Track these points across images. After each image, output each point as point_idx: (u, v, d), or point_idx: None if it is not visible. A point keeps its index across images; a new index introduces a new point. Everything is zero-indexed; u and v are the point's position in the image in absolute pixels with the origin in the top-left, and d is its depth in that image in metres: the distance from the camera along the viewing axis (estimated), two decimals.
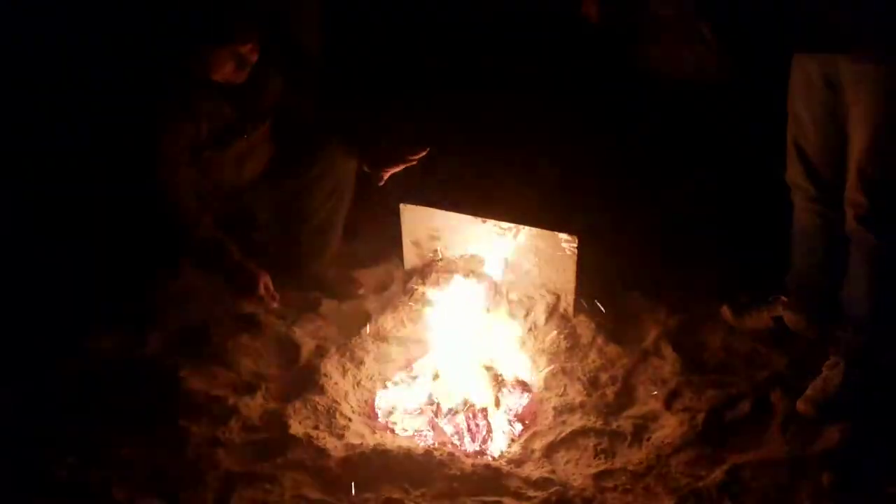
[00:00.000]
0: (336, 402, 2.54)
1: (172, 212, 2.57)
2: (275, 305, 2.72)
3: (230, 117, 2.63)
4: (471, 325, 2.69)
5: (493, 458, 2.36)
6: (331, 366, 2.67)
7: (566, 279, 2.81)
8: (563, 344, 2.74)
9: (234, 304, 2.89)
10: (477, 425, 2.43)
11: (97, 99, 3.02)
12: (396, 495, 2.19)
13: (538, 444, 2.40)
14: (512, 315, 2.82)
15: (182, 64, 2.44)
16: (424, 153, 2.67)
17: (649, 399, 2.55)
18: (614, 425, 2.45)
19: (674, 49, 3.00)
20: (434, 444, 2.39)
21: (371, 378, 2.67)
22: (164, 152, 2.50)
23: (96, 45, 3.27)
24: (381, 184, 2.75)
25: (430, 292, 2.88)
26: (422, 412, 2.49)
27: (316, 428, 2.45)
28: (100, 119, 2.94)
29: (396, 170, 2.71)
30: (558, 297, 2.85)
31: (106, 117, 2.82)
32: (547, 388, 2.60)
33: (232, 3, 2.36)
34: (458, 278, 2.90)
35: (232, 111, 2.61)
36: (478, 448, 2.40)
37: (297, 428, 2.41)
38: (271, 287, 2.69)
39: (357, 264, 3.27)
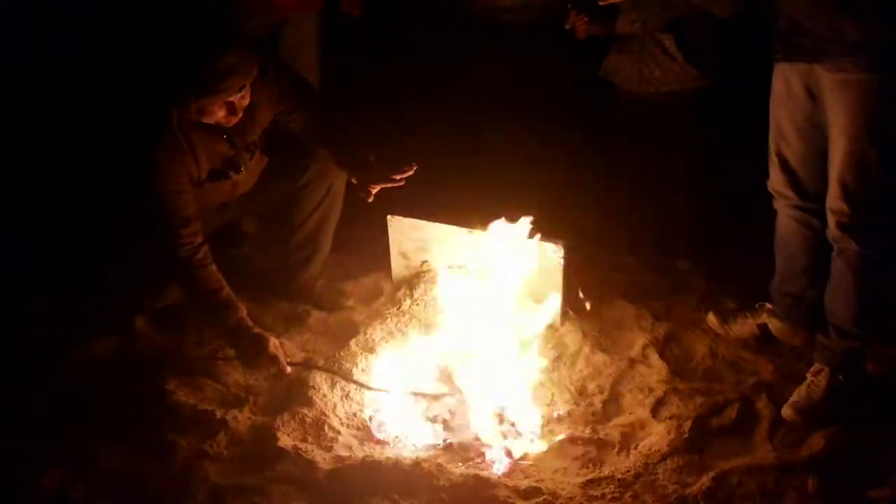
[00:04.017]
0: (324, 414, 2.54)
1: (173, 248, 2.50)
2: (287, 371, 2.60)
3: (226, 153, 2.63)
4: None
5: (482, 468, 2.36)
6: (319, 378, 2.66)
7: (553, 288, 2.82)
8: (551, 353, 2.75)
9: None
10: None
11: (95, 114, 3.03)
12: None
13: (526, 454, 2.40)
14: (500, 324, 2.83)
15: (177, 108, 2.42)
16: (411, 172, 2.68)
17: (636, 407, 2.56)
18: (602, 434, 2.46)
19: (639, 63, 3.03)
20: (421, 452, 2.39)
21: (359, 390, 2.67)
22: (164, 186, 2.47)
23: (95, 59, 3.32)
24: (370, 199, 2.76)
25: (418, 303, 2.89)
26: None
27: (304, 440, 2.45)
28: (97, 137, 2.96)
29: (384, 186, 2.72)
30: (546, 306, 2.86)
31: (104, 141, 2.83)
32: (534, 397, 2.61)
33: (222, 54, 2.28)
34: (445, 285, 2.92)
35: (227, 147, 2.62)
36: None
37: (285, 440, 2.41)
38: (280, 353, 2.58)
39: (345, 276, 3.28)
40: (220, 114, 2.42)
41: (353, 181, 2.80)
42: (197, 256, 2.53)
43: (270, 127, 2.77)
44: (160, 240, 2.53)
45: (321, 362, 2.75)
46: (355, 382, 2.62)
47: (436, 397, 2.54)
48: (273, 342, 2.58)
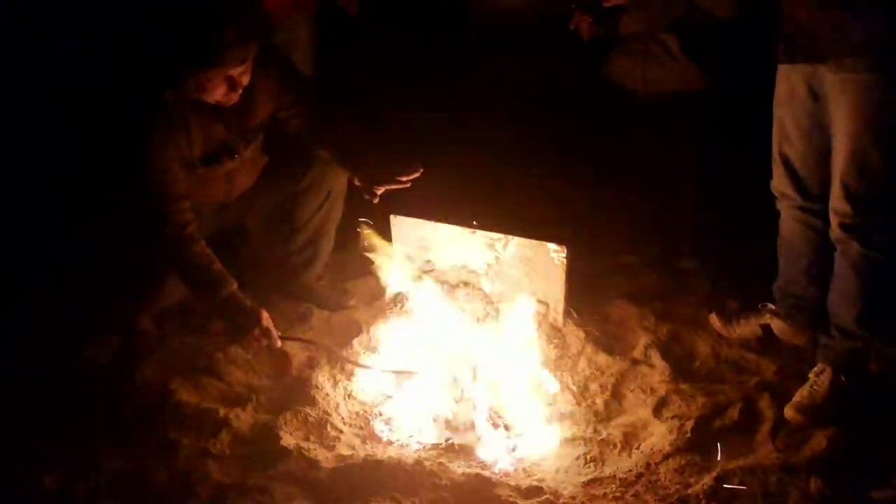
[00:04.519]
0: (327, 413, 2.54)
1: (162, 223, 2.52)
2: (278, 345, 2.64)
3: (221, 137, 2.63)
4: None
5: (484, 467, 2.36)
6: (322, 377, 2.67)
7: (555, 289, 2.82)
8: (553, 353, 2.75)
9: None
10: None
11: (93, 109, 3.04)
12: None
13: (528, 453, 2.41)
14: (501, 325, 2.84)
15: (176, 83, 2.43)
16: (418, 174, 2.67)
17: (638, 407, 2.56)
18: (604, 433, 2.47)
19: (642, 63, 3.04)
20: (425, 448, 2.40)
21: (362, 389, 2.67)
22: (155, 161, 2.48)
23: (94, 57, 3.33)
24: (375, 201, 2.75)
25: (420, 303, 2.89)
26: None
27: (307, 439, 2.45)
28: (95, 130, 2.96)
29: (389, 188, 2.72)
30: (547, 307, 2.87)
31: (101, 128, 2.83)
32: (536, 397, 2.60)
33: (225, 26, 2.30)
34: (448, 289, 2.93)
35: (223, 131, 2.61)
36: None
37: (287, 440, 2.41)
38: (271, 327, 2.61)
39: (348, 275, 3.29)
40: (220, 90, 2.43)
41: (356, 183, 2.80)
42: (185, 232, 2.54)
43: (269, 123, 2.77)
44: (149, 217, 2.54)
45: (323, 360, 2.75)
46: (344, 359, 2.70)
47: (408, 374, 2.61)
48: (265, 316, 2.60)
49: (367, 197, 2.74)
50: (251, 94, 2.55)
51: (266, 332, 2.59)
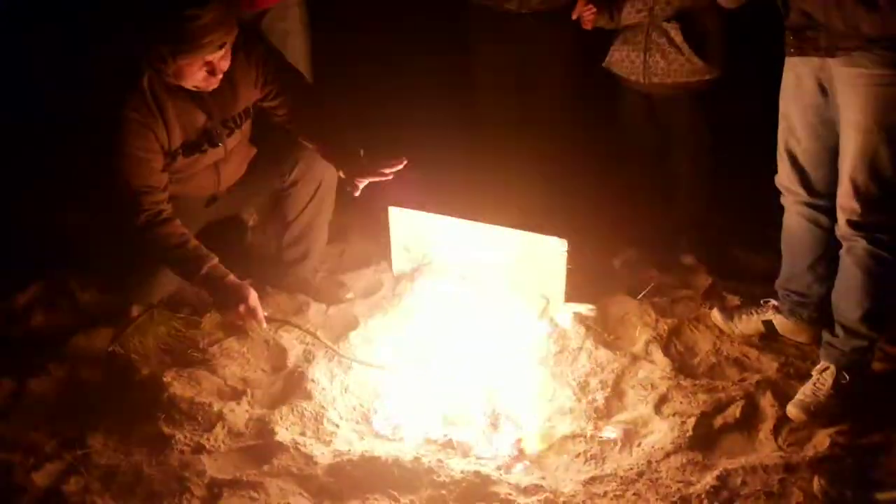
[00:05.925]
0: (323, 407, 2.51)
1: (135, 212, 2.48)
2: (264, 326, 2.62)
3: (202, 125, 2.58)
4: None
5: (483, 464, 2.34)
6: (318, 371, 2.64)
7: (555, 283, 2.79)
8: (553, 348, 2.72)
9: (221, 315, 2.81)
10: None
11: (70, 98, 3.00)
12: (384, 502, 2.16)
13: (528, 450, 2.38)
14: (502, 319, 2.81)
15: (154, 69, 2.39)
16: (401, 166, 2.63)
17: (639, 404, 2.53)
18: (604, 430, 2.43)
19: (644, 53, 3.00)
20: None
21: (359, 383, 2.64)
22: (131, 151, 2.44)
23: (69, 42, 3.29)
24: (356, 194, 2.71)
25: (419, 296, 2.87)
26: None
27: (303, 434, 2.42)
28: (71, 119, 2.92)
29: (372, 181, 2.67)
30: (548, 301, 2.84)
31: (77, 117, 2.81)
32: (536, 393, 2.58)
33: (201, 10, 2.25)
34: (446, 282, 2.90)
35: (204, 119, 2.57)
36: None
37: (283, 434, 2.38)
38: (259, 307, 2.57)
39: (345, 268, 3.26)
40: (199, 76, 2.39)
41: (341, 175, 2.76)
42: (157, 219, 2.51)
43: (254, 112, 2.72)
44: (123, 205, 2.50)
45: (320, 354, 2.72)
46: (331, 349, 2.69)
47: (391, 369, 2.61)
48: (253, 295, 2.56)
49: (348, 189, 2.71)
50: (232, 81, 2.52)
51: (253, 312, 2.55)
